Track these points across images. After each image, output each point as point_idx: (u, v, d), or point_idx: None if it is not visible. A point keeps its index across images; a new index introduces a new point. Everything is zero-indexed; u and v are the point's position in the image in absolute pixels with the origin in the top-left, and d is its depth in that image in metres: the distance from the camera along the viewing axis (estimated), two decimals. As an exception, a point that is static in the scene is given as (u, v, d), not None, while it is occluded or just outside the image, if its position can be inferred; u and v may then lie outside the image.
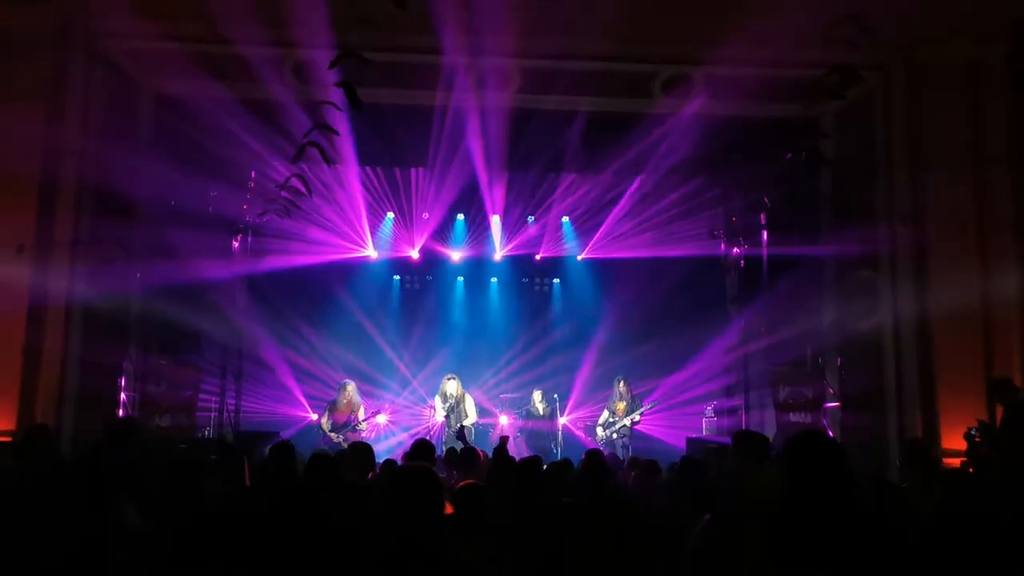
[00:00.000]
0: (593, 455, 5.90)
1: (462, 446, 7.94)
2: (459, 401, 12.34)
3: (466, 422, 12.16)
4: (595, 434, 12.80)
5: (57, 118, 9.31)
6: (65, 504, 4.12)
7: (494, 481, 5.32)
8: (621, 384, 12.80)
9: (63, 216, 9.36)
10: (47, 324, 9.18)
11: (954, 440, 8.65)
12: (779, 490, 3.21)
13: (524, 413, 13.02)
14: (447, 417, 12.28)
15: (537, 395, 13.05)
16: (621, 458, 9.90)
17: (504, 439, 8.35)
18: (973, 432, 7.89)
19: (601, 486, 5.17)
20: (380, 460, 6.71)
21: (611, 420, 12.65)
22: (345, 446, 11.56)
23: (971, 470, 7.33)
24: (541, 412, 12.91)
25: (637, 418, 12.59)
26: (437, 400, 12.56)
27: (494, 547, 3.37)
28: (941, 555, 3.32)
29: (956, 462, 8.02)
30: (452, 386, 12.43)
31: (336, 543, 3.42)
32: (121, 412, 10.05)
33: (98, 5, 9.33)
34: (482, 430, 13.42)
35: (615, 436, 12.53)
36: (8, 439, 8.40)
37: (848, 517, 2.95)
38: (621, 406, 12.68)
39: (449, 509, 3.34)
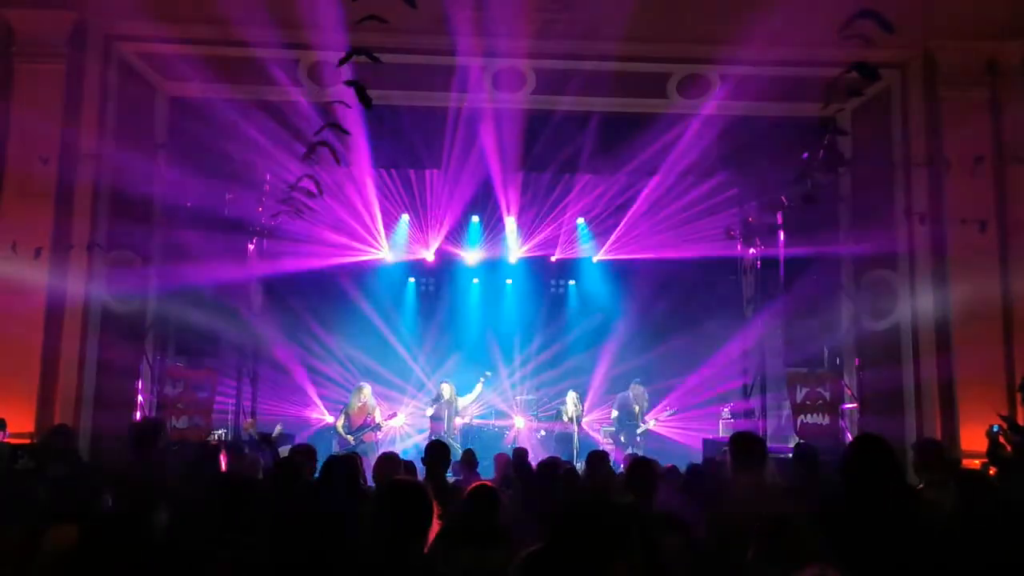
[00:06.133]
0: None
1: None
2: (451, 403, 12.58)
3: (458, 420, 12.47)
4: (614, 437, 12.76)
5: (73, 121, 9.37)
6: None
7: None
8: (638, 387, 12.84)
9: (80, 219, 9.41)
10: (65, 327, 9.24)
11: (974, 441, 8.53)
12: (773, 492, 3.17)
13: (555, 413, 12.97)
14: (441, 419, 12.49)
15: (572, 396, 12.95)
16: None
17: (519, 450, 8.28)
18: (996, 429, 7.75)
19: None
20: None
21: (630, 423, 12.66)
22: (354, 444, 11.70)
23: (992, 471, 7.20)
24: (571, 414, 12.85)
25: (652, 423, 12.61)
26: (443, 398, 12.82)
27: (507, 553, 3.33)
28: (956, 557, 3.27)
29: (977, 464, 7.90)
30: (447, 390, 12.64)
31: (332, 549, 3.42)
32: (138, 414, 10.09)
33: (113, 9, 9.38)
34: (497, 432, 13.43)
35: (638, 439, 12.53)
36: (27, 440, 8.45)
37: (906, 520, 2.92)
38: (637, 409, 12.72)
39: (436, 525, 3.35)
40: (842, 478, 3.21)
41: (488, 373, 13.18)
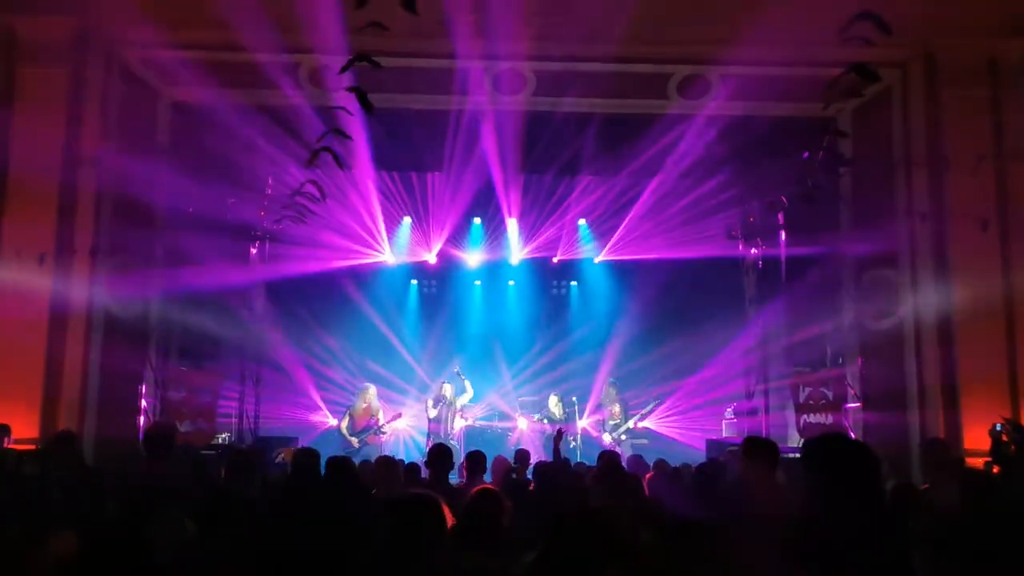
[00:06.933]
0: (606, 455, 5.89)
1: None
2: (451, 404, 12.64)
3: (459, 422, 12.52)
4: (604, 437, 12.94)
5: (76, 126, 9.39)
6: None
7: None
8: (610, 388, 13.02)
9: (83, 224, 9.43)
10: (68, 332, 9.25)
11: (977, 439, 8.52)
12: (788, 496, 3.14)
13: (542, 417, 13.12)
14: (440, 420, 12.57)
15: (553, 399, 13.19)
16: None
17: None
18: (999, 428, 7.74)
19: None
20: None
21: (613, 423, 12.88)
22: (358, 447, 11.74)
23: (995, 469, 7.20)
24: (557, 416, 12.98)
25: (639, 421, 12.77)
26: (430, 401, 12.83)
27: (508, 557, 3.33)
28: (961, 557, 3.27)
29: (980, 462, 7.89)
30: (449, 391, 12.69)
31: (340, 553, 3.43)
32: (142, 419, 10.10)
33: (116, 15, 9.40)
34: (500, 433, 13.45)
35: (623, 438, 12.72)
36: (32, 446, 8.47)
37: (876, 522, 2.90)
38: (616, 409, 12.93)
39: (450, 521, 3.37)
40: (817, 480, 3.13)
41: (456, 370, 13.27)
